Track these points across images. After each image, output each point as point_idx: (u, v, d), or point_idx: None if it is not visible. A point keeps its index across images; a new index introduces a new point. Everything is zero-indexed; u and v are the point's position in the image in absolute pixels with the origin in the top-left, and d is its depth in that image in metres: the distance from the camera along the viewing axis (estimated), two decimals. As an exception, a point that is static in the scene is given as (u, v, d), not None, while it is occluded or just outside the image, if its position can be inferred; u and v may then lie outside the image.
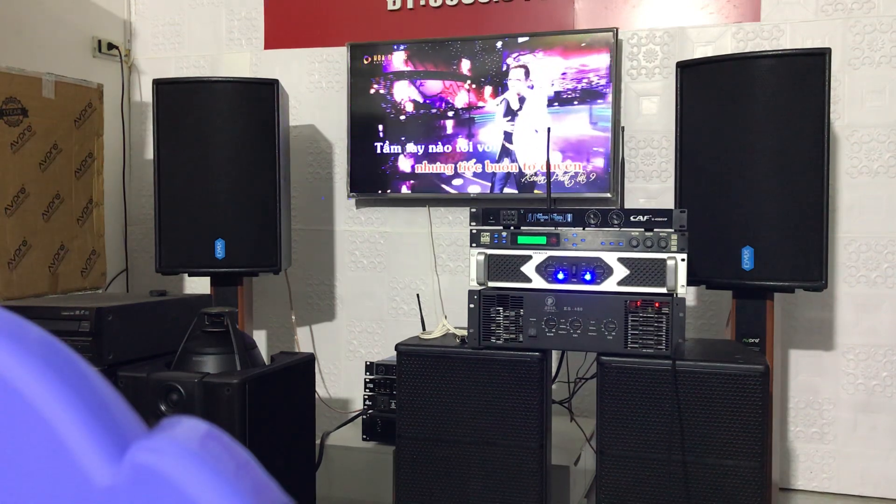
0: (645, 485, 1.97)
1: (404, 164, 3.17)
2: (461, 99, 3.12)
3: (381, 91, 3.16)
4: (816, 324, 2.84)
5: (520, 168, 3.04)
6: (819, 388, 2.85)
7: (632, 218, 2.04)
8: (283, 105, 2.92)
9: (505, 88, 3.06)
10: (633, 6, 3.03)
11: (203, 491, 0.42)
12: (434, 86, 3.11)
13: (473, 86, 3.10)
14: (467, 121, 3.11)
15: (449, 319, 2.47)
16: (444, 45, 3.13)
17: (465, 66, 3.10)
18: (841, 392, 2.83)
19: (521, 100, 3.04)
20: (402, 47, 3.14)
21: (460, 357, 2.11)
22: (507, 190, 3.07)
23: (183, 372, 1.90)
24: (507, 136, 3.06)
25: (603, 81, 2.95)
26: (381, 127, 3.18)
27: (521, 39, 3.04)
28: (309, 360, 2.20)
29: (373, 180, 3.23)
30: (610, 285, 2.03)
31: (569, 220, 2.10)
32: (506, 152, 3.06)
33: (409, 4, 3.25)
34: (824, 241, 2.27)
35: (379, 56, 3.20)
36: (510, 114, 3.06)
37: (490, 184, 3.09)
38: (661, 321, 1.97)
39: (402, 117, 3.15)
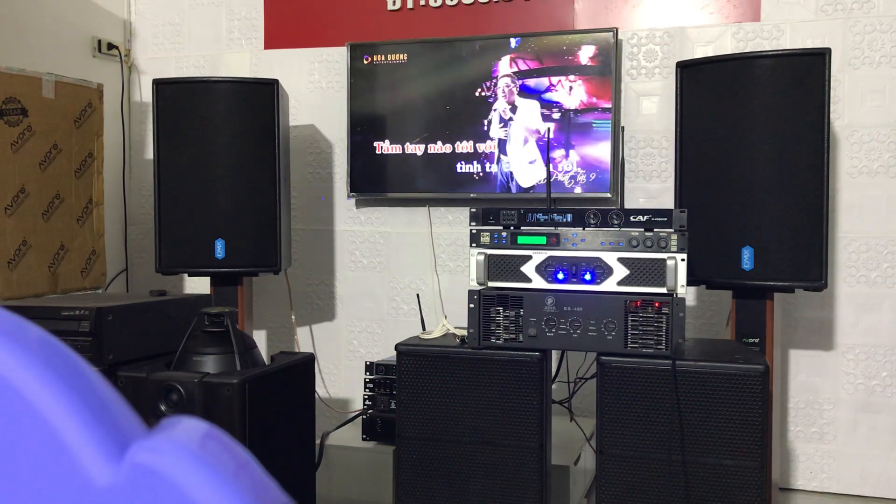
0: (645, 485, 1.97)
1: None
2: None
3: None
4: (816, 324, 2.84)
5: (513, 176, 3.04)
6: (819, 388, 2.85)
7: (632, 218, 2.04)
8: (283, 105, 2.92)
9: (495, 96, 3.05)
10: (633, 6, 3.03)
11: (203, 491, 0.42)
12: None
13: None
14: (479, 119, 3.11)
15: (449, 319, 2.47)
16: (445, 45, 3.13)
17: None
18: (841, 392, 2.83)
19: (514, 108, 3.03)
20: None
21: (460, 357, 2.11)
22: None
23: (183, 372, 1.90)
24: (501, 145, 3.06)
25: (603, 81, 2.95)
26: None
27: (520, 40, 3.04)
28: (309, 360, 2.20)
29: (380, 179, 3.23)
30: (610, 285, 2.03)
31: (569, 220, 2.10)
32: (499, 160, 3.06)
33: (409, 4, 3.25)
34: (824, 241, 2.27)
35: (386, 56, 3.19)
36: (503, 121, 3.05)
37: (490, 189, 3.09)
38: (661, 321, 1.97)
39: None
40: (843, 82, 2.79)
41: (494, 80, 3.06)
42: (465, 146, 3.11)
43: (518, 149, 3.04)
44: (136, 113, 3.68)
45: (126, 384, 1.89)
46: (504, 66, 3.05)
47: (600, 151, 2.95)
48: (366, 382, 2.64)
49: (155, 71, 3.56)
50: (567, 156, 2.99)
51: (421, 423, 2.14)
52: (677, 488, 1.95)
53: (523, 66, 3.03)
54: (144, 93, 3.65)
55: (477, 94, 3.09)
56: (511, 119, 3.05)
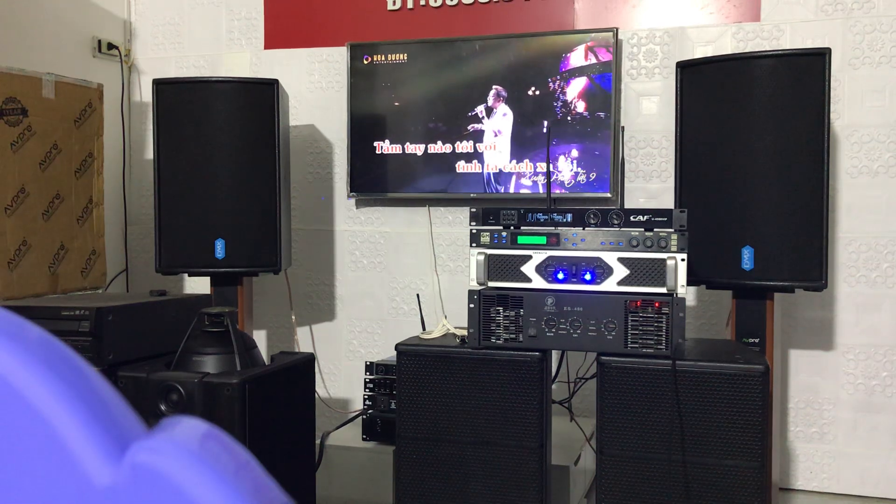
0: (645, 485, 1.97)
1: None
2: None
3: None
4: (816, 324, 2.84)
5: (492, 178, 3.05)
6: (819, 388, 2.85)
7: (632, 218, 2.04)
8: (283, 105, 2.92)
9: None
10: (633, 6, 3.03)
11: (203, 491, 0.42)
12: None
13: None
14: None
15: (449, 319, 2.47)
16: (445, 45, 3.13)
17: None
18: (841, 392, 2.83)
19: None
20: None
21: (460, 357, 2.11)
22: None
23: (183, 372, 1.90)
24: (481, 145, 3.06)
25: (603, 82, 2.95)
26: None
27: (522, 40, 3.04)
28: (309, 360, 2.20)
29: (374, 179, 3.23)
30: (610, 285, 2.03)
31: (569, 219, 2.10)
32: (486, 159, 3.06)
33: (409, 4, 3.25)
34: (824, 241, 2.27)
35: (386, 56, 3.19)
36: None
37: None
38: (661, 321, 1.97)
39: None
40: (843, 82, 2.79)
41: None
42: (465, 146, 3.11)
43: (490, 152, 3.07)
44: (136, 113, 3.68)
45: (126, 384, 1.89)
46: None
47: (600, 151, 2.95)
48: (366, 382, 2.64)
49: (155, 71, 3.56)
50: (567, 155, 2.99)
51: (421, 423, 2.14)
52: (677, 488, 1.95)
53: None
54: (144, 93, 3.65)
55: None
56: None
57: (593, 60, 2.96)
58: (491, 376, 2.09)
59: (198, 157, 2.76)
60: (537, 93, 3.01)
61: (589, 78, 2.96)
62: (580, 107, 2.97)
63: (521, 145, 3.05)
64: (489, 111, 3.07)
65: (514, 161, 3.05)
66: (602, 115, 2.94)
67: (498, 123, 3.06)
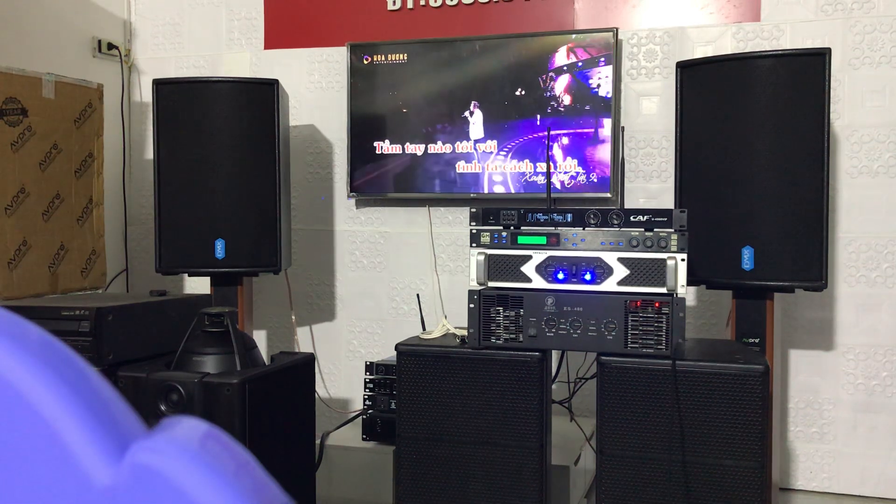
0: (645, 485, 1.97)
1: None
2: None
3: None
4: (816, 324, 2.84)
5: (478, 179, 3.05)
6: (819, 388, 2.85)
7: (632, 218, 2.04)
8: (283, 105, 2.92)
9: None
10: (633, 6, 3.03)
11: (203, 491, 0.42)
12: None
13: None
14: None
15: (449, 319, 2.47)
16: (445, 46, 3.13)
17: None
18: (841, 392, 2.83)
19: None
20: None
21: (460, 357, 2.11)
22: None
23: (183, 372, 1.90)
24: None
25: (603, 81, 2.95)
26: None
27: (521, 40, 3.04)
28: (309, 360, 2.20)
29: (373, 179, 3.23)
30: (610, 285, 2.03)
31: (569, 219, 2.10)
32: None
33: (409, 4, 3.25)
34: (824, 241, 2.27)
35: (386, 56, 3.19)
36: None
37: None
38: (661, 321, 1.97)
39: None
40: (843, 82, 2.79)
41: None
42: (464, 146, 3.11)
43: (479, 152, 3.09)
44: (136, 113, 3.68)
45: (126, 384, 1.89)
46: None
47: (600, 151, 2.95)
48: (366, 382, 2.64)
49: (155, 71, 3.56)
50: (567, 156, 2.99)
51: (421, 423, 2.14)
52: (677, 488, 1.95)
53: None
54: (144, 93, 3.65)
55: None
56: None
57: (574, 59, 2.96)
58: (491, 376, 2.09)
59: (198, 157, 2.76)
60: (524, 92, 3.01)
61: (572, 75, 2.97)
62: (566, 100, 2.97)
63: (502, 141, 3.05)
64: (471, 112, 3.09)
65: (515, 161, 3.05)
66: (588, 107, 2.94)
67: (475, 121, 3.08)
